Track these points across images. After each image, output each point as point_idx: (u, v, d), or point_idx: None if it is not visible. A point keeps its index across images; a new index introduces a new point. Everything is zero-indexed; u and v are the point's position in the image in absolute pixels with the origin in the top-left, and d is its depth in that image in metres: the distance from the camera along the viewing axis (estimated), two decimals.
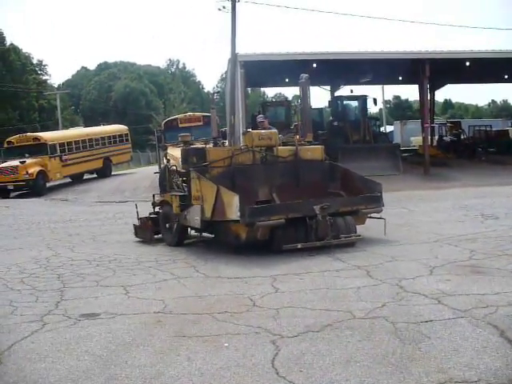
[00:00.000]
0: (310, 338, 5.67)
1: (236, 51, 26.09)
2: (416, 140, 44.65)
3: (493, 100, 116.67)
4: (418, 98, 37.36)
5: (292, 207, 10.04)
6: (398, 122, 61.97)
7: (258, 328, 6.04)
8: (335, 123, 32.62)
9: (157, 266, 9.61)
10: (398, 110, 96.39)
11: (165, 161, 22.40)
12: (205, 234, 11.22)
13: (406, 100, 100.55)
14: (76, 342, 5.91)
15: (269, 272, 8.66)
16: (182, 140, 12.10)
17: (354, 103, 33.64)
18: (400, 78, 41.43)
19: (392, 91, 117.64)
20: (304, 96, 12.24)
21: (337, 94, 40.10)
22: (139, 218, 12.62)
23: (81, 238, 13.76)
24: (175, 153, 18.72)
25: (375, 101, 36.56)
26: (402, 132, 56.02)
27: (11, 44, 64.46)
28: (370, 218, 11.17)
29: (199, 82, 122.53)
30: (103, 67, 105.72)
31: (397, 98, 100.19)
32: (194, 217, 10.39)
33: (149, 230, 12.25)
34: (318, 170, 11.67)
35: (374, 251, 9.84)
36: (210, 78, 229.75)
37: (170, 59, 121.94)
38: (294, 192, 11.03)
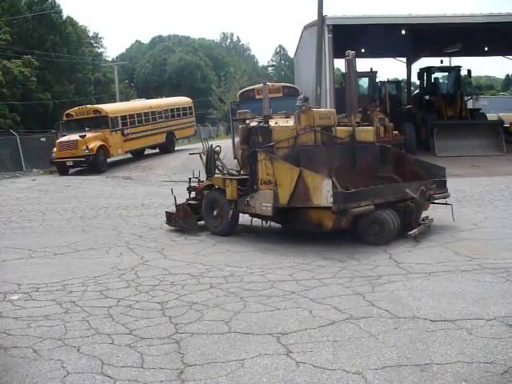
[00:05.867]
0: None
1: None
2: (489, 117, 40.56)
3: None
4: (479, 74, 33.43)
5: (379, 192, 9.46)
6: (469, 97, 57.13)
7: None
8: (426, 97, 29.11)
9: (303, 292, 6.42)
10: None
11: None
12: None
13: (465, 76, 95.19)
14: None
15: (483, 308, 5.69)
16: (242, 117, 10.76)
17: (446, 75, 30.03)
18: (486, 49, 37.52)
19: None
20: (350, 74, 11.36)
21: (414, 66, 36.54)
22: (176, 205, 11.27)
23: (167, 234, 10.77)
24: None
25: (469, 72, 32.96)
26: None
27: (68, 17, 61.84)
28: (435, 203, 10.50)
29: (254, 55, 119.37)
30: (157, 40, 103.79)
31: None
32: (263, 203, 9.35)
33: (191, 218, 11.00)
34: (371, 153, 11.03)
35: None
36: (264, 53, 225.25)
37: (223, 33, 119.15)
38: (349, 175, 10.20)
